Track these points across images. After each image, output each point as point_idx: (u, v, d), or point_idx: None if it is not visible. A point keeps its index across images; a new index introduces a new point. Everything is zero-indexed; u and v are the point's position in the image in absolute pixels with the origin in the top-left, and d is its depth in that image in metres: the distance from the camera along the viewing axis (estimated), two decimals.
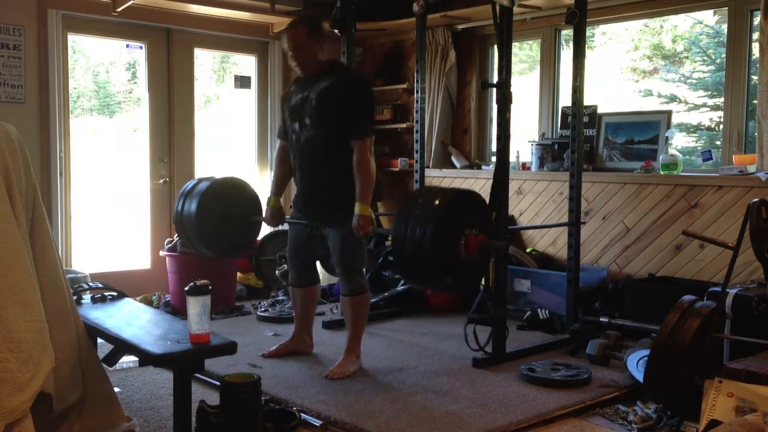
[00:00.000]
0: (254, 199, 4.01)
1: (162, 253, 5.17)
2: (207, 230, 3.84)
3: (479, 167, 5.68)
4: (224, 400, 2.67)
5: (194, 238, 3.88)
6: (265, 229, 4.71)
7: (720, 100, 4.72)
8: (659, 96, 5.15)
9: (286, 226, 3.94)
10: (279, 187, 3.86)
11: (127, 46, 5.49)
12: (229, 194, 3.99)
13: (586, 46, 4.30)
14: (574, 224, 4.29)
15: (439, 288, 3.28)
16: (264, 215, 3.90)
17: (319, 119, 3.47)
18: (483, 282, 3.80)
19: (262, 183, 5.76)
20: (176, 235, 5.07)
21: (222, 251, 4.06)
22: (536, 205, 5.25)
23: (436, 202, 3.16)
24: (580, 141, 4.34)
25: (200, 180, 4.04)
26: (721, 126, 4.65)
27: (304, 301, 3.89)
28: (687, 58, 5.22)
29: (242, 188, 4.05)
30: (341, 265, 3.58)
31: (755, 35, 4.33)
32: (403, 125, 6.04)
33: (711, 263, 4.31)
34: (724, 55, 4.60)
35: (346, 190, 3.44)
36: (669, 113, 4.81)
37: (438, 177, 5.83)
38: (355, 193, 3.39)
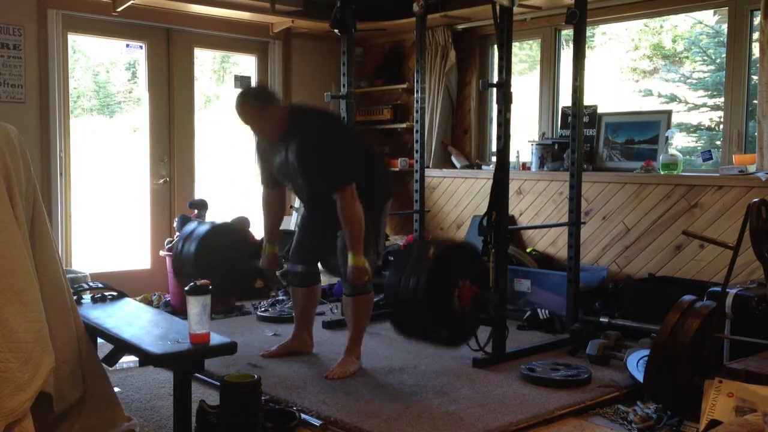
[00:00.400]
0: (253, 243, 4.00)
1: (162, 253, 5.17)
2: (204, 273, 3.85)
3: (479, 167, 5.68)
4: (224, 400, 2.67)
5: (191, 279, 3.89)
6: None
7: (720, 100, 4.72)
8: (659, 96, 5.15)
9: (293, 221, 3.96)
10: (272, 235, 3.84)
11: (127, 46, 5.49)
12: (228, 238, 4.01)
13: (586, 46, 4.30)
14: (574, 224, 4.29)
15: (435, 341, 3.27)
16: (261, 262, 3.88)
17: (309, 183, 3.50)
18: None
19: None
20: (176, 234, 5.08)
21: (220, 292, 4.07)
22: (536, 205, 5.25)
23: (430, 253, 3.16)
24: (580, 141, 4.34)
25: (200, 223, 4.08)
26: (721, 126, 4.65)
27: (304, 301, 3.89)
28: (687, 58, 5.22)
29: (241, 233, 4.09)
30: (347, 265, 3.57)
31: (755, 35, 4.33)
32: (403, 125, 6.05)
33: (711, 263, 4.31)
34: (724, 55, 4.60)
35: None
36: (669, 113, 4.81)
37: (438, 177, 5.83)
38: (348, 243, 3.38)
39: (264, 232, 3.85)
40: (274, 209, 3.80)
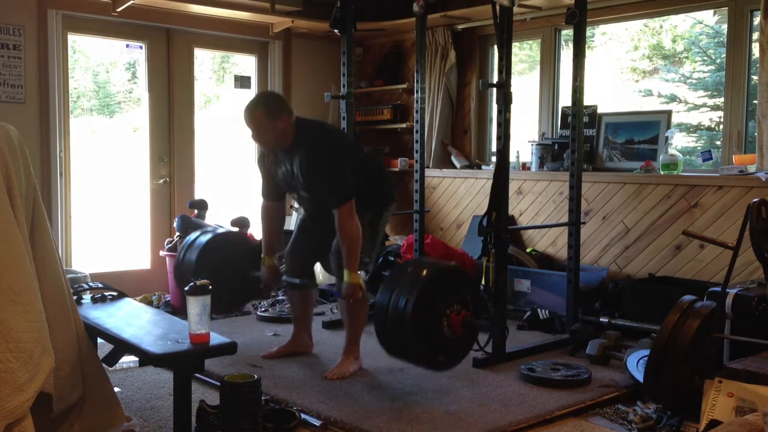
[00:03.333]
0: (254, 254, 3.99)
1: (162, 253, 5.17)
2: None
3: (479, 167, 5.68)
4: (224, 400, 2.67)
5: None
6: None
7: (720, 100, 4.72)
8: (659, 96, 5.15)
9: (293, 221, 3.95)
10: (271, 247, 3.82)
11: (127, 46, 5.49)
12: (229, 248, 4.00)
13: (586, 46, 4.30)
14: (574, 224, 4.29)
15: (423, 365, 3.25)
16: (261, 274, 3.87)
17: (313, 195, 3.54)
18: (483, 282, 3.81)
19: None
20: (176, 234, 5.08)
21: (220, 306, 4.06)
22: (536, 205, 5.25)
23: (422, 273, 3.14)
24: (580, 141, 4.34)
25: (203, 232, 4.09)
26: (721, 126, 4.65)
27: (301, 302, 3.90)
28: (687, 58, 5.22)
29: (242, 243, 4.08)
30: (341, 267, 3.57)
31: (755, 35, 4.33)
32: (403, 125, 6.05)
33: (711, 263, 4.31)
34: (724, 55, 4.60)
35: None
36: (669, 113, 4.81)
37: (438, 177, 5.83)
38: (344, 260, 3.39)
39: (263, 245, 3.84)
40: (273, 222, 3.81)
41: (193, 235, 4.07)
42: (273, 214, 3.79)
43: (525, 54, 5.96)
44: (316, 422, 2.96)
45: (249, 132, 3.55)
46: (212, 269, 3.80)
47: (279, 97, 3.52)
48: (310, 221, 3.83)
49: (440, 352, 3.14)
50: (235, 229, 4.44)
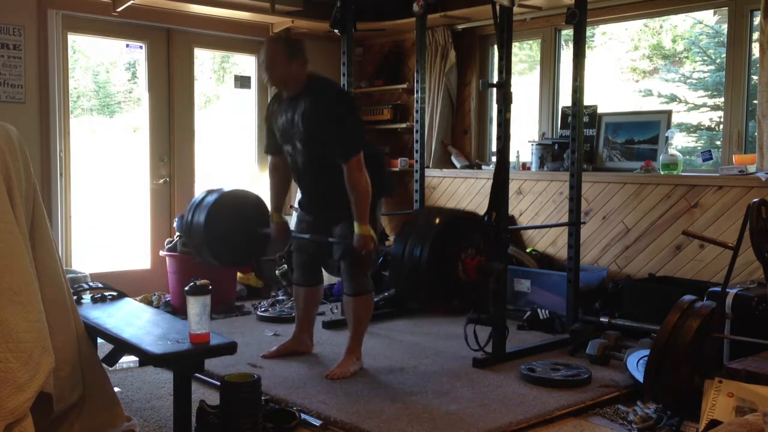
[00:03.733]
0: (263, 210, 3.99)
1: (162, 253, 5.17)
2: (215, 241, 3.83)
3: (479, 167, 5.68)
4: (224, 400, 2.67)
5: (203, 249, 3.87)
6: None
7: (720, 100, 4.72)
8: (659, 96, 5.15)
9: (293, 222, 3.94)
10: (279, 203, 3.83)
11: (127, 46, 5.49)
12: (238, 206, 3.96)
13: (586, 46, 4.30)
14: (574, 224, 4.29)
15: (445, 309, 3.27)
16: (270, 230, 3.86)
17: (309, 145, 3.46)
18: None
19: (262, 182, 5.75)
20: (176, 234, 5.08)
21: (230, 261, 4.05)
22: (536, 205, 5.25)
23: (435, 222, 3.16)
24: (580, 141, 4.34)
25: (209, 191, 4.02)
26: (721, 126, 4.65)
27: (307, 301, 3.88)
28: (687, 58, 5.22)
29: (251, 200, 4.03)
30: (346, 265, 3.57)
31: (755, 35, 4.33)
32: (403, 125, 6.05)
33: (711, 263, 4.31)
34: (724, 55, 4.60)
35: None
36: (669, 113, 4.81)
37: (438, 177, 5.83)
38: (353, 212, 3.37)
39: (270, 201, 3.84)
40: (281, 177, 3.78)
41: (199, 196, 4.00)
42: (280, 168, 3.76)
43: (525, 54, 5.96)
44: (316, 422, 2.96)
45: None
46: (221, 229, 3.81)
47: (302, 42, 3.52)
48: (305, 202, 3.76)
49: (456, 296, 3.14)
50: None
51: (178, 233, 5.08)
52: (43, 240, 2.48)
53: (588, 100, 4.39)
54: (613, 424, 3.00)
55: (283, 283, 5.06)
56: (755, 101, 4.25)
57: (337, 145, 3.37)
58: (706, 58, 5.08)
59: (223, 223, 3.83)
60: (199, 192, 5.61)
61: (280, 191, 3.83)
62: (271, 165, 3.81)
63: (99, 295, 3.30)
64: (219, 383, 2.75)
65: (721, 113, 4.69)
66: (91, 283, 3.53)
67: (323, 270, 4.00)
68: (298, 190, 3.88)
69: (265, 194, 4.18)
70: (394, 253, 3.15)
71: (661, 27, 5.38)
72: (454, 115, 5.89)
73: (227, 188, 4.02)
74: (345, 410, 3.04)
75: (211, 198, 3.91)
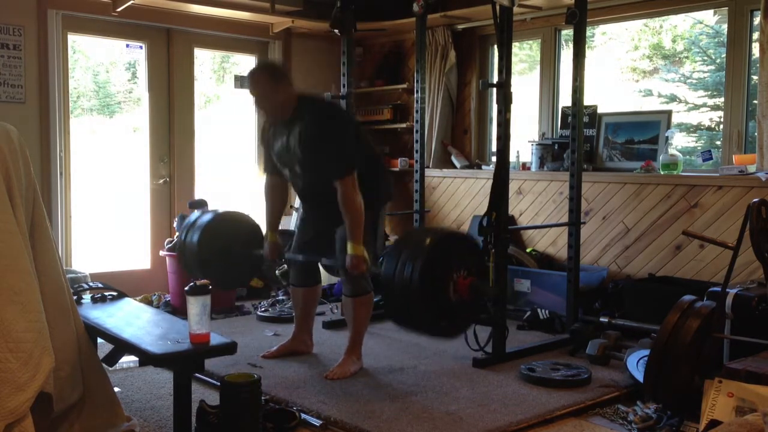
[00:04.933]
0: (256, 232, 3.99)
1: (162, 253, 5.17)
2: (208, 263, 3.83)
3: (479, 167, 5.68)
4: (224, 400, 2.67)
5: (196, 270, 3.87)
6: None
7: (720, 100, 4.72)
8: (659, 96, 5.15)
9: (293, 221, 3.94)
10: (274, 222, 3.82)
11: (127, 46, 5.49)
12: (231, 227, 3.98)
13: (586, 46, 4.30)
14: (574, 224, 4.29)
15: (431, 332, 3.21)
16: (263, 250, 3.86)
17: (308, 168, 3.47)
18: None
19: (262, 182, 5.75)
20: (176, 234, 5.08)
21: (224, 284, 4.06)
22: (536, 205, 5.25)
23: (426, 242, 3.12)
24: (580, 141, 4.34)
25: (204, 212, 4.06)
26: (721, 126, 4.65)
27: (305, 301, 3.89)
28: (687, 58, 5.22)
29: (244, 221, 4.06)
30: (344, 269, 3.57)
31: (755, 35, 4.33)
32: (403, 125, 6.05)
33: (711, 263, 4.31)
34: (724, 55, 4.60)
35: None
36: (669, 113, 4.81)
37: (438, 177, 5.83)
38: (347, 232, 3.37)
39: (266, 220, 3.83)
40: (277, 196, 3.78)
41: (194, 216, 4.02)
42: (276, 188, 3.77)
43: (525, 54, 5.96)
44: (316, 422, 2.96)
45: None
46: (215, 249, 3.81)
47: (282, 66, 3.52)
48: (306, 213, 3.79)
49: (446, 318, 3.11)
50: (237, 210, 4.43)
51: (177, 233, 5.08)
52: (43, 240, 2.48)
53: (588, 100, 4.39)
54: (613, 424, 3.00)
55: (284, 283, 5.03)
56: (755, 101, 4.25)
57: (330, 165, 3.37)
58: (706, 58, 5.08)
59: (216, 244, 3.83)
60: (199, 193, 5.65)
61: (275, 210, 3.82)
62: (267, 184, 3.79)
63: (99, 295, 3.30)
64: (219, 383, 2.75)
65: (721, 113, 4.69)
66: (91, 283, 3.53)
67: (321, 270, 4.00)
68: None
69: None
70: (385, 272, 3.13)
71: (661, 27, 5.37)
72: (454, 115, 5.89)
73: (221, 209, 4.07)
74: (345, 410, 3.04)
75: (204, 218, 3.93)
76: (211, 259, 3.81)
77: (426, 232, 3.26)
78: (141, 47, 5.43)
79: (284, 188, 3.81)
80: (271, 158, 3.68)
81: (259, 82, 3.43)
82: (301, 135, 3.40)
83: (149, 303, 5.01)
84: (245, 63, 6.16)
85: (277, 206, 3.81)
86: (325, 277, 4.99)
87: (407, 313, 3.13)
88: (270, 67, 3.48)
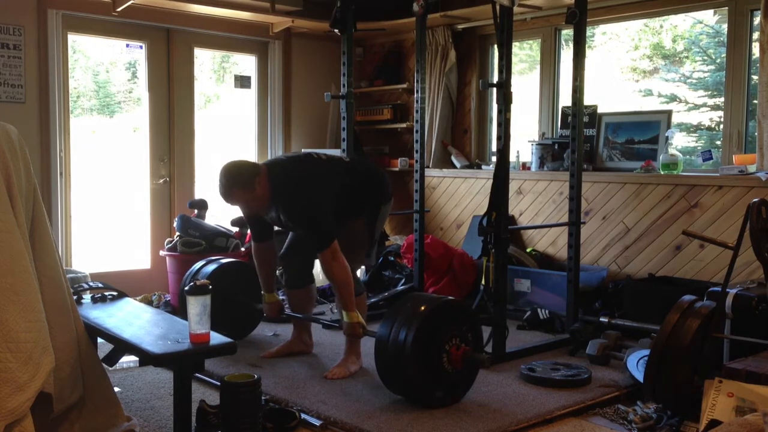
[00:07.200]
0: (258, 285, 4.02)
1: (162, 253, 5.17)
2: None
3: (479, 167, 5.68)
4: (224, 400, 2.67)
5: None
6: None
7: (720, 100, 4.72)
8: (659, 96, 5.15)
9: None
10: (269, 284, 3.88)
11: (127, 45, 5.49)
12: (233, 279, 4.06)
13: (586, 46, 4.30)
14: (574, 224, 4.29)
15: (425, 402, 3.18)
16: (263, 310, 3.94)
17: (305, 231, 3.62)
18: (483, 282, 3.81)
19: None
20: (176, 234, 5.08)
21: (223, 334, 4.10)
22: (536, 205, 5.25)
23: (421, 308, 3.09)
24: (580, 141, 4.34)
25: (208, 261, 4.14)
26: (721, 126, 4.65)
27: (302, 302, 3.90)
28: (687, 57, 5.22)
29: (246, 273, 4.12)
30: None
31: (755, 35, 4.33)
32: (403, 125, 6.05)
33: (711, 263, 4.31)
34: (724, 55, 4.60)
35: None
36: (669, 113, 4.81)
37: (438, 177, 5.83)
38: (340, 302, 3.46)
39: (261, 283, 3.90)
40: (267, 260, 3.83)
41: (197, 265, 4.13)
42: (264, 252, 3.81)
43: (525, 54, 5.96)
44: (316, 422, 2.96)
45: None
46: (216, 304, 3.82)
47: (243, 164, 3.49)
48: None
49: (439, 388, 3.10)
50: (236, 259, 4.45)
51: (178, 233, 5.08)
52: (43, 240, 2.48)
53: (588, 100, 4.39)
54: (613, 424, 3.00)
55: (283, 283, 5.06)
56: (755, 101, 4.25)
57: (312, 239, 3.47)
58: (706, 57, 5.08)
59: (217, 295, 3.84)
60: (199, 193, 5.65)
61: (269, 273, 3.86)
62: (255, 250, 3.81)
63: (99, 295, 3.30)
64: (219, 383, 2.75)
65: (721, 113, 4.69)
66: (91, 283, 3.53)
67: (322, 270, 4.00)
68: None
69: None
70: (379, 335, 3.14)
71: (661, 27, 5.37)
72: (454, 115, 5.89)
73: (224, 260, 4.16)
74: (345, 410, 3.04)
75: (208, 269, 4.02)
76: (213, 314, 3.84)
77: (421, 300, 3.20)
78: (141, 47, 5.43)
79: (272, 251, 3.85)
80: (258, 226, 3.73)
81: (233, 196, 3.44)
82: (285, 213, 3.49)
83: (149, 303, 5.01)
84: (245, 63, 6.16)
85: (269, 269, 3.86)
86: (324, 277, 4.99)
87: (402, 382, 3.11)
88: (235, 178, 3.40)
